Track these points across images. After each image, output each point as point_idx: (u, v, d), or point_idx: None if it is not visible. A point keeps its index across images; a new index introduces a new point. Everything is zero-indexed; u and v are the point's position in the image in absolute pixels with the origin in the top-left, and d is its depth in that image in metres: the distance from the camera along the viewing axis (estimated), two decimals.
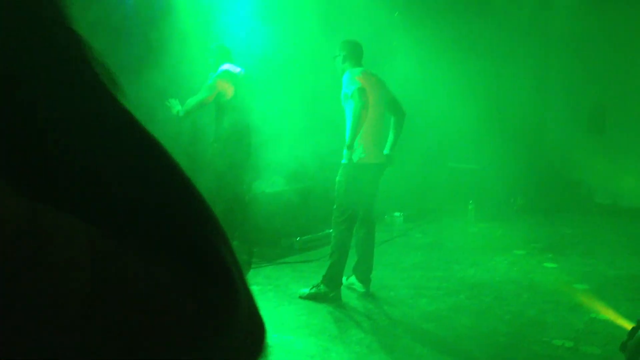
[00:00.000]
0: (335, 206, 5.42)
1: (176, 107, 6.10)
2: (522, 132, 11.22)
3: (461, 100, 10.35)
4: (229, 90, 6.02)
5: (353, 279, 5.66)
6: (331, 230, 6.33)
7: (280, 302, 5.34)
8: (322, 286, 5.33)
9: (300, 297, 5.39)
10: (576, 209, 9.93)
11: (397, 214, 8.92)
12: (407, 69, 10.13)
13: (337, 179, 5.37)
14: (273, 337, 4.54)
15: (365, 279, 5.58)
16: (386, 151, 5.46)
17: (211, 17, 7.54)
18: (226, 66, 6.11)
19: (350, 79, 5.24)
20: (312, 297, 5.33)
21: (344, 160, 5.30)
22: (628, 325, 4.60)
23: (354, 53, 5.45)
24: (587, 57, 10.78)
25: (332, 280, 5.33)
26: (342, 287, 5.42)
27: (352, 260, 5.66)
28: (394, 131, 5.54)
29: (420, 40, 9.94)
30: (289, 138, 7.46)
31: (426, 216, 9.22)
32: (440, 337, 4.57)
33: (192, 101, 6.07)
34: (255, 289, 5.51)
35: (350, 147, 5.16)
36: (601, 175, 10.50)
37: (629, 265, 6.61)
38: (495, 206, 9.66)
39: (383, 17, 10.07)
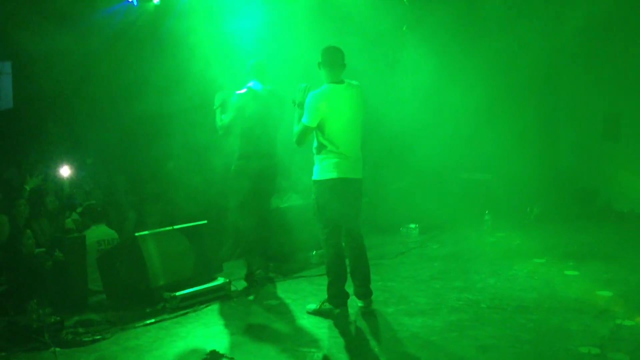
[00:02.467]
0: (318, 224, 5.31)
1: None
2: (536, 140, 11.15)
3: (473, 111, 10.31)
4: (249, 108, 6.03)
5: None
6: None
7: (299, 315, 5.28)
8: (326, 303, 5.26)
9: (307, 313, 5.32)
10: (594, 217, 9.82)
11: (412, 225, 8.85)
12: (418, 81, 10.14)
13: (312, 196, 5.27)
14: (294, 351, 4.48)
15: (361, 294, 5.35)
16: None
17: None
18: (251, 84, 6.13)
19: (310, 106, 5.01)
20: (317, 313, 5.25)
21: (313, 177, 5.21)
22: None
23: (328, 61, 5.12)
24: (601, 64, 10.71)
25: (334, 298, 5.23)
26: (348, 302, 5.30)
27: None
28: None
29: (431, 53, 9.94)
30: (303, 153, 7.44)
31: (442, 227, 9.14)
32: (464, 347, 4.48)
33: (224, 120, 6.11)
34: (273, 303, 5.50)
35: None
36: (618, 182, 10.38)
37: None
38: (511, 216, 9.56)
39: (393, 32, 10.10)
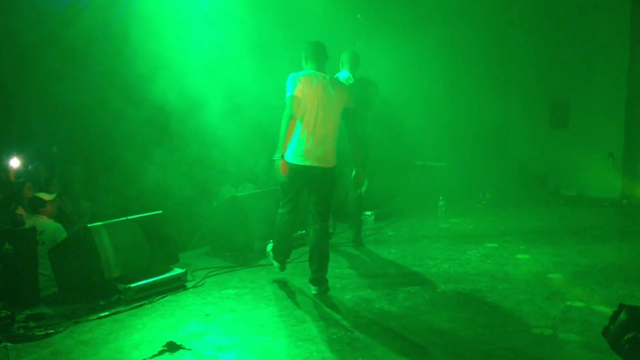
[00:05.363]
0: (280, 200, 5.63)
1: None
2: (487, 128, 11.35)
3: (425, 99, 10.42)
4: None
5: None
6: (303, 231, 7.04)
7: (258, 304, 5.27)
8: (271, 252, 5.83)
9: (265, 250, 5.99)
10: (543, 202, 10.08)
11: (367, 212, 8.90)
12: (372, 70, 10.16)
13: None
14: (253, 339, 4.47)
15: (316, 279, 5.45)
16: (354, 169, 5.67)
17: None
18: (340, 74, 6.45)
19: (290, 82, 5.22)
20: (268, 254, 5.91)
21: (284, 156, 5.27)
22: (605, 311, 4.69)
23: (314, 54, 5.42)
24: (549, 52, 10.96)
25: (275, 251, 5.79)
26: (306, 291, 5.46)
27: None
28: (351, 146, 5.58)
29: (383, 42, 9.98)
30: (257, 145, 7.41)
31: (397, 214, 9.24)
32: (421, 331, 4.55)
33: None
34: (230, 292, 5.45)
35: (278, 152, 5.20)
36: (566, 167, 10.69)
37: (599, 253, 6.72)
38: (464, 201, 9.73)
39: (348, 20, 10.10)
